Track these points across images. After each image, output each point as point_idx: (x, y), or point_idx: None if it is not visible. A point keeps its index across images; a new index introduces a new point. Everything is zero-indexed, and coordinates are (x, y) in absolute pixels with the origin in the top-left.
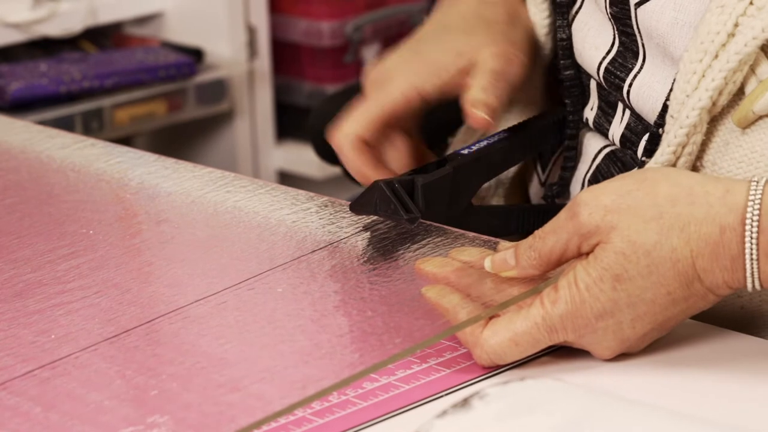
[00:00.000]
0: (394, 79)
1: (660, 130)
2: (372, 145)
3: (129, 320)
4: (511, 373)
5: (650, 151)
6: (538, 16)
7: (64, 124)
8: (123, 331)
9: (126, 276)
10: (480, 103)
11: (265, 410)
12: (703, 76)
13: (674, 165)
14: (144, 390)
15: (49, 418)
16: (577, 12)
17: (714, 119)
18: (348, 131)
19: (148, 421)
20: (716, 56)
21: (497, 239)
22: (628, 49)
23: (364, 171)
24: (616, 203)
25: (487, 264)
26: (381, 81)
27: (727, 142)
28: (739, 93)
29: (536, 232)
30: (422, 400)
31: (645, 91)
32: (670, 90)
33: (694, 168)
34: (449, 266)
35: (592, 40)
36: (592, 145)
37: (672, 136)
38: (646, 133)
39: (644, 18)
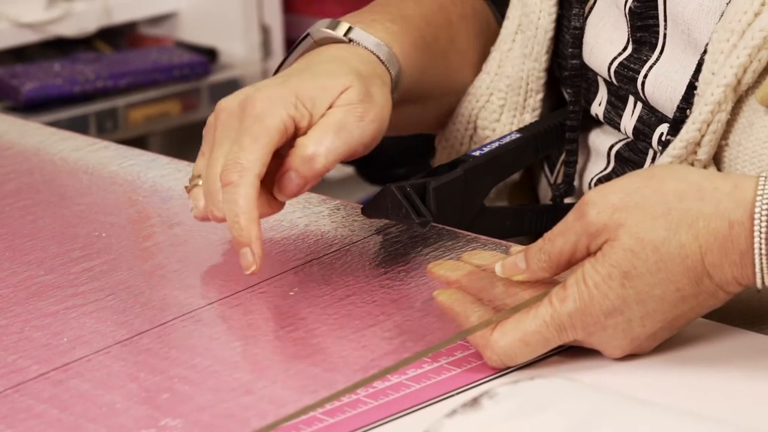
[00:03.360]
0: (272, 113)
1: (687, 111)
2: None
3: (141, 323)
4: (521, 372)
5: (665, 143)
6: (546, 11)
7: (78, 124)
8: (135, 333)
9: (138, 279)
10: (293, 173)
11: (277, 413)
12: (729, 54)
13: (699, 143)
14: (156, 393)
15: (62, 420)
16: (592, 7)
17: (740, 99)
18: (248, 166)
19: (160, 424)
20: (742, 35)
21: (509, 243)
22: (643, 43)
23: (255, 214)
24: (623, 201)
25: (498, 269)
26: (255, 113)
27: (752, 122)
28: (765, 72)
29: (545, 234)
30: (432, 399)
31: (662, 81)
32: (692, 75)
33: (719, 147)
34: (461, 270)
35: (608, 35)
36: (603, 143)
37: (697, 113)
38: (659, 124)
39: (672, 5)
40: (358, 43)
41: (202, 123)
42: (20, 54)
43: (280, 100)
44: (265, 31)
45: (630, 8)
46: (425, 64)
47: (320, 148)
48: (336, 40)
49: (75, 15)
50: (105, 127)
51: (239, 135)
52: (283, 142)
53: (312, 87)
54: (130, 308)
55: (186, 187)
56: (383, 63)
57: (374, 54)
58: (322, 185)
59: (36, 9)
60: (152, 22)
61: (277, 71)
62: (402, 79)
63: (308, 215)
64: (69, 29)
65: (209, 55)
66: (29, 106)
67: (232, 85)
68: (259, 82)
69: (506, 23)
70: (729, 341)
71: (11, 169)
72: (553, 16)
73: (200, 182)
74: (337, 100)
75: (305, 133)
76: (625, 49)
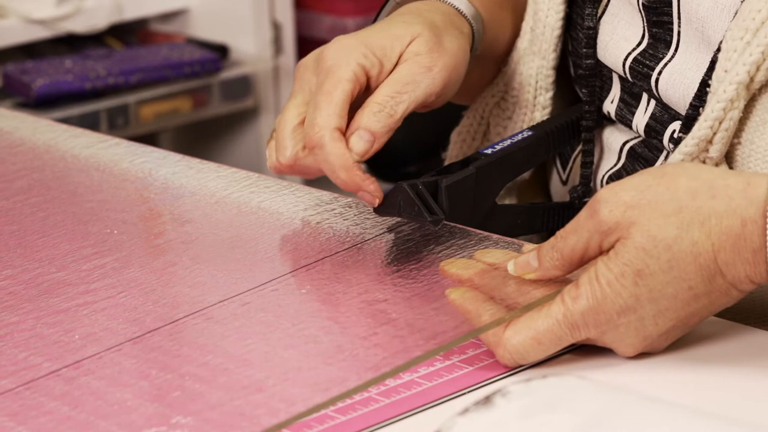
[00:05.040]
0: (343, 64)
1: (700, 109)
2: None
3: (153, 320)
4: (534, 370)
5: (676, 140)
6: (553, 9)
7: (89, 121)
8: (147, 331)
9: (150, 276)
10: (363, 131)
11: (288, 411)
12: (743, 52)
13: (711, 141)
14: (167, 390)
15: (73, 417)
16: (606, 5)
17: (752, 98)
18: (324, 124)
19: (171, 421)
20: (756, 33)
21: (521, 242)
22: (659, 39)
23: (349, 162)
24: (635, 199)
25: (510, 267)
26: (326, 66)
27: (765, 120)
28: None
29: (558, 232)
30: (444, 397)
31: (676, 78)
32: (705, 72)
33: (732, 145)
34: (473, 268)
35: (622, 32)
36: (617, 140)
37: (709, 111)
38: (672, 122)
39: (685, 2)
40: None
41: (213, 120)
42: (31, 50)
43: (349, 51)
44: (277, 28)
45: (643, 3)
46: (505, 22)
47: (387, 103)
48: None
49: (86, 11)
50: (116, 123)
51: (315, 94)
52: (357, 91)
53: (381, 37)
54: (141, 305)
55: (267, 142)
56: (464, 16)
57: (454, 7)
58: (332, 182)
59: (47, 5)
60: (163, 19)
61: None
62: (485, 35)
63: (320, 213)
64: (80, 25)
65: (220, 51)
66: (40, 103)
67: (243, 82)
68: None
69: (523, 23)
70: (741, 340)
71: (22, 166)
72: (561, 14)
73: None
74: (405, 51)
75: (378, 82)
76: (639, 43)
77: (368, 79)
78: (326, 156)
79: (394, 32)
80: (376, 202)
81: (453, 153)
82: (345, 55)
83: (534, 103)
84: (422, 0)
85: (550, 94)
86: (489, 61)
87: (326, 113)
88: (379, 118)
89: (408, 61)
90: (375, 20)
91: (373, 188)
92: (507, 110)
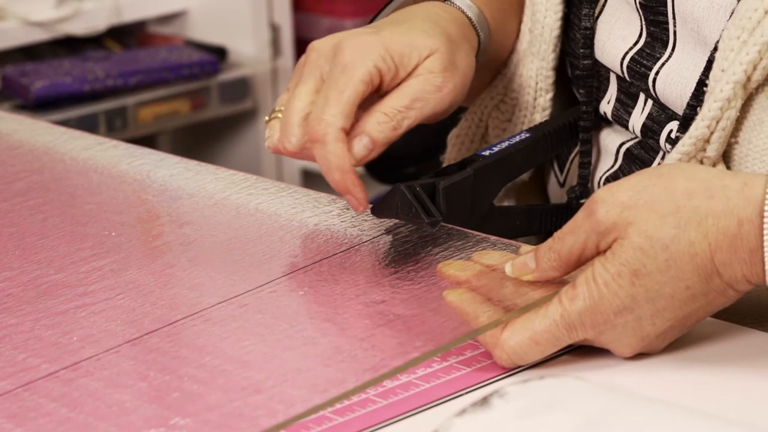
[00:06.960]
0: (360, 64)
1: (697, 109)
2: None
3: (151, 322)
4: (531, 371)
5: (674, 140)
6: (551, 10)
7: (88, 123)
8: (145, 332)
9: (148, 278)
10: (366, 137)
11: (286, 413)
12: (740, 51)
13: (708, 140)
14: (166, 392)
15: (72, 418)
16: (604, 4)
17: (750, 97)
18: (331, 121)
19: (170, 423)
20: (752, 32)
21: (519, 243)
22: (656, 38)
23: (347, 164)
24: (633, 199)
25: (508, 269)
26: (344, 61)
27: (762, 120)
28: None
29: (555, 233)
30: (442, 398)
31: (673, 78)
32: (702, 72)
33: (729, 144)
34: (471, 269)
35: (620, 31)
36: (613, 141)
37: (707, 110)
38: (669, 122)
39: (680, 2)
40: (453, 3)
41: (212, 121)
42: (30, 52)
43: (369, 51)
44: (275, 30)
45: (640, 2)
46: (511, 29)
47: (395, 116)
48: None
49: (85, 13)
50: (114, 125)
51: (326, 86)
52: (368, 92)
53: (402, 42)
54: (139, 307)
55: (266, 120)
56: (474, 26)
57: (467, 16)
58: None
59: (46, 7)
60: (162, 21)
61: (371, 22)
62: (490, 44)
63: (318, 215)
64: (79, 28)
65: (219, 53)
66: (39, 105)
67: (241, 84)
68: (353, 29)
69: (522, 24)
70: (739, 340)
71: (21, 168)
72: (559, 14)
73: (280, 115)
74: (420, 65)
75: (389, 87)
76: (637, 42)
77: (380, 81)
78: (326, 153)
79: (414, 42)
80: (361, 209)
81: (451, 156)
82: (364, 54)
83: (534, 105)
84: (437, 2)
85: (550, 95)
86: (490, 67)
87: (335, 111)
88: (383, 128)
89: (421, 76)
90: (385, 6)
91: (361, 196)
92: (506, 112)
